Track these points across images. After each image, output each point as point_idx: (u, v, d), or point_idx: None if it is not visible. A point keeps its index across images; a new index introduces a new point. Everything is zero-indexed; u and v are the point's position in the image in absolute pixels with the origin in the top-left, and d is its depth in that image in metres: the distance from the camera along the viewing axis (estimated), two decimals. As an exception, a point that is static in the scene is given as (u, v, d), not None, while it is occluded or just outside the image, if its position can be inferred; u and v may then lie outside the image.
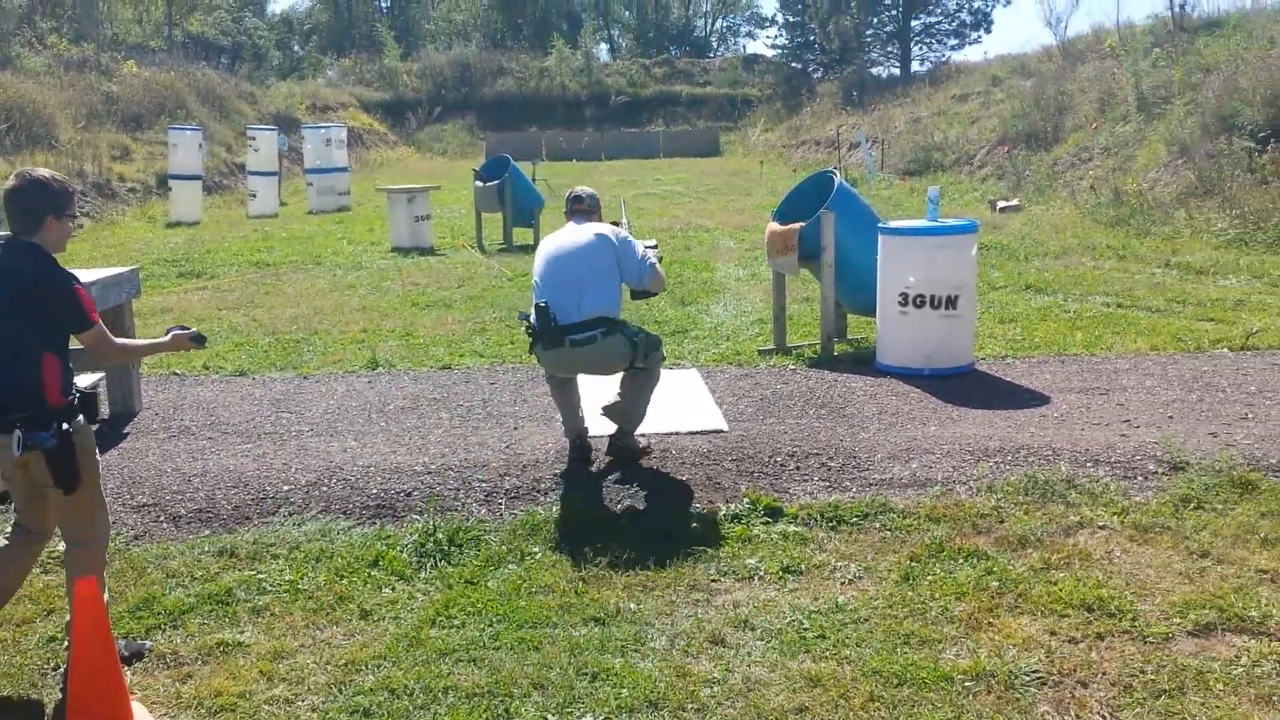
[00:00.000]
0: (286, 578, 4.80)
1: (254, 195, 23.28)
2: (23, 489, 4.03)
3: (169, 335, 4.33)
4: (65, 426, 3.86)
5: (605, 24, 70.65)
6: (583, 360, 5.87)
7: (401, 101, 48.54)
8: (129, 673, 3.98)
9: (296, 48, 64.17)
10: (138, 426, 7.11)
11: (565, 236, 6.03)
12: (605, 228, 6.04)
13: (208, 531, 5.37)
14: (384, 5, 70.55)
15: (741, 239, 16.40)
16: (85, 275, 7.05)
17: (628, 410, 6.08)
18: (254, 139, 24.06)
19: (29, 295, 3.85)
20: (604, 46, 67.43)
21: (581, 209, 6.18)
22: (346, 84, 48.92)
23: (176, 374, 8.58)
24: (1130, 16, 46.01)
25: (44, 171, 4.06)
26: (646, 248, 6.20)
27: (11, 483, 4.05)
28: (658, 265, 6.09)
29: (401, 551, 5.03)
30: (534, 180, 18.51)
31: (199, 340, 4.36)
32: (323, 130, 25.86)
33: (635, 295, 6.29)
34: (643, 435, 6.28)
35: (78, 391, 4.03)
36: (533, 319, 5.87)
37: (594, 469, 6.01)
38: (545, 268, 5.95)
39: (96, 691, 3.47)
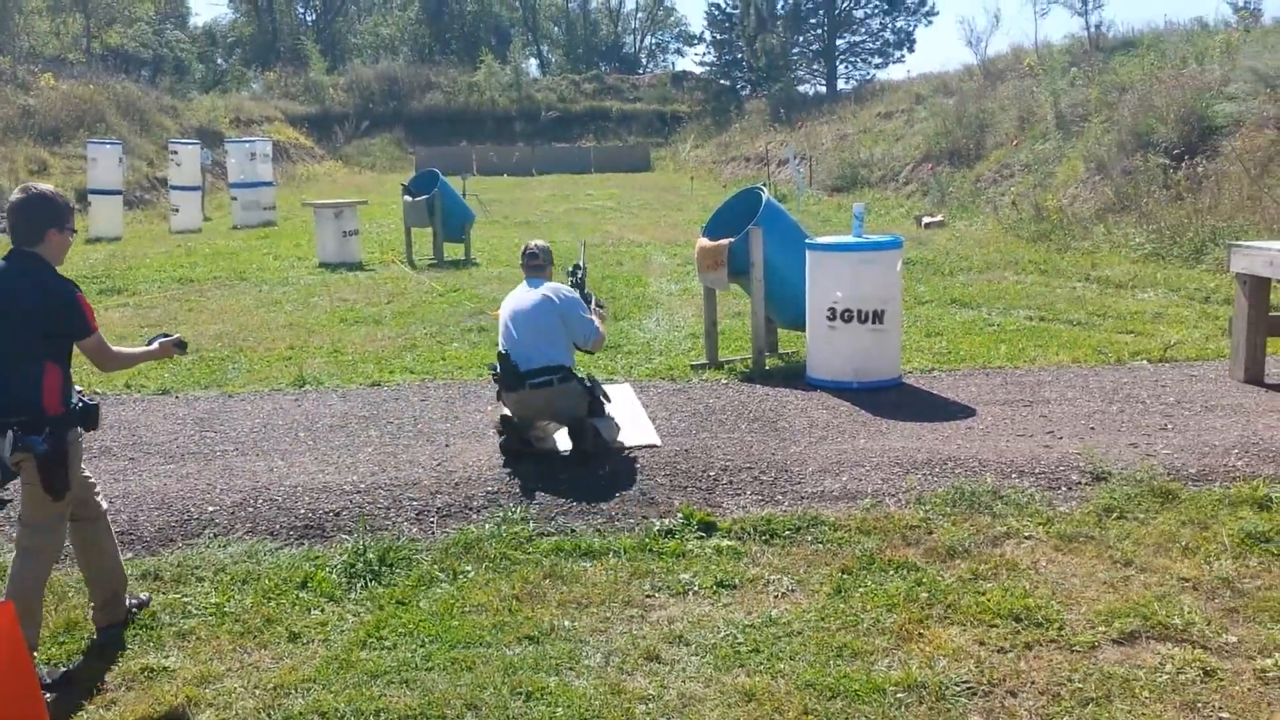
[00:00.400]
0: (212, 600, 4.70)
1: (176, 210, 22.87)
2: None
3: (156, 344, 4.56)
4: (63, 434, 4.07)
5: (534, 39, 70.69)
6: (542, 401, 6.29)
7: (328, 115, 48.04)
8: (49, 699, 3.86)
9: (220, 61, 63.19)
10: (56, 447, 6.92)
11: (520, 298, 6.49)
12: (552, 290, 6.41)
13: (130, 554, 5.23)
14: (309, 19, 69.93)
15: (673, 254, 16.47)
16: None
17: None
18: (176, 153, 23.64)
19: (35, 304, 4.07)
20: (533, 62, 67.54)
21: (536, 264, 6.64)
22: (271, 97, 48.31)
23: (97, 392, 8.37)
24: (1048, 36, 47.12)
25: (46, 186, 4.32)
26: (596, 307, 6.62)
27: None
28: (600, 326, 6.50)
29: (330, 572, 4.95)
30: (464, 195, 18.44)
31: (182, 346, 4.63)
32: (247, 144, 25.53)
33: (578, 348, 6.55)
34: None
35: (80, 401, 4.22)
36: (497, 365, 6.38)
37: (526, 483, 5.97)
38: (507, 324, 6.43)
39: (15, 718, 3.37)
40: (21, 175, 23.21)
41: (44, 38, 41.61)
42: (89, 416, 4.23)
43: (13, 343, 4.03)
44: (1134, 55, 22.05)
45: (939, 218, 19.79)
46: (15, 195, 4.22)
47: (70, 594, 4.77)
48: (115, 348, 4.40)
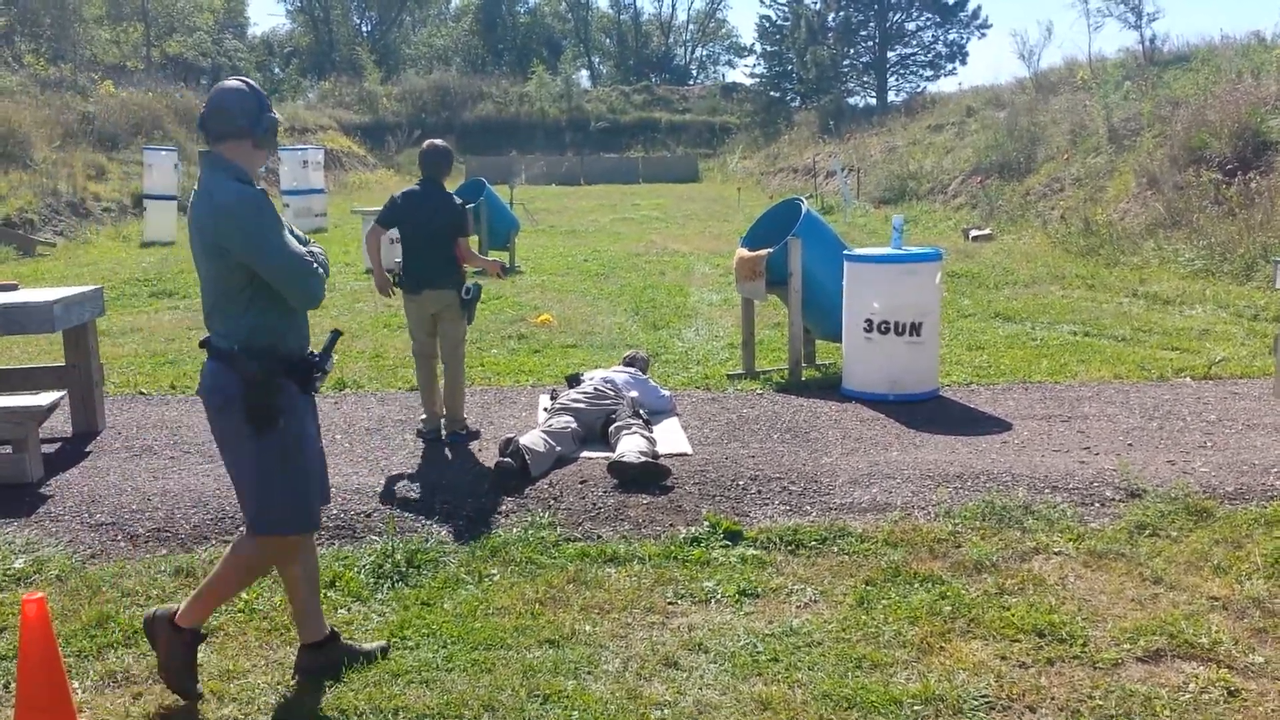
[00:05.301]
0: (241, 597, 4.77)
1: (229, 216, 23.18)
2: (427, 324, 7.04)
3: (491, 257, 6.42)
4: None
5: (585, 51, 71.06)
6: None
7: (381, 124, 48.54)
8: (78, 691, 3.95)
9: (276, 70, 64.17)
10: (100, 445, 7.07)
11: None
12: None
13: (165, 550, 5.34)
14: (365, 29, 70.77)
15: (716, 264, 16.47)
16: (47, 294, 7.04)
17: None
18: (230, 160, 23.98)
19: (452, 208, 6.95)
20: (584, 73, 67.88)
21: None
22: (326, 106, 48.96)
23: (142, 393, 8.54)
24: (1101, 50, 46.43)
25: (441, 141, 7.15)
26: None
27: (422, 319, 7.03)
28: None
29: (359, 573, 5.01)
30: (511, 204, 18.57)
31: (505, 270, 7.54)
32: (299, 152, 25.85)
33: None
34: (605, 456, 6.33)
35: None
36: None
37: (551, 489, 6.00)
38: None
39: (44, 709, 3.44)
40: (79, 180, 23.70)
41: (104, 46, 42.39)
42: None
43: (445, 230, 6.86)
44: (1188, 69, 21.76)
45: (986, 231, 19.62)
46: (425, 146, 6.99)
47: (103, 587, 4.87)
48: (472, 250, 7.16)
